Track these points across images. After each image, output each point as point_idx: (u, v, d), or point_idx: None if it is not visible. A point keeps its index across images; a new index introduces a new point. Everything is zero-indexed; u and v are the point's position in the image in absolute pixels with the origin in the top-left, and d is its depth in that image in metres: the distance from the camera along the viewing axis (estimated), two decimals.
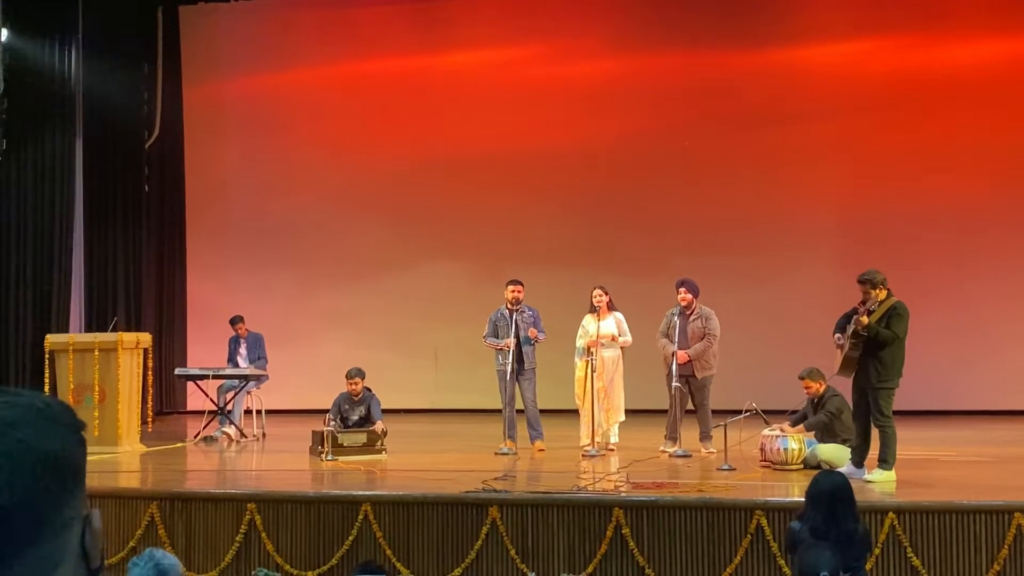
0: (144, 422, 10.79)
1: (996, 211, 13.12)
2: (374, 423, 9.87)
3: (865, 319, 7.65)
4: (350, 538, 7.24)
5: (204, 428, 11.39)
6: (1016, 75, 13.12)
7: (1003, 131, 13.08)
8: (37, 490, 1.17)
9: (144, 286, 14.43)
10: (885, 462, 7.65)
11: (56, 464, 1.19)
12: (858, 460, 7.83)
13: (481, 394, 11.66)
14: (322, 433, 9.50)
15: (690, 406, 9.70)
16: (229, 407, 11.37)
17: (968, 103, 13.17)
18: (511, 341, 9.83)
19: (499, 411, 10.04)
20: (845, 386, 8.21)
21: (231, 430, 11.30)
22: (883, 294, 7.78)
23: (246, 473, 9.86)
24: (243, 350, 11.86)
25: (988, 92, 13.14)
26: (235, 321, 11.90)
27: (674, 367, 9.47)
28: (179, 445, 11.11)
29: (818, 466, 7.96)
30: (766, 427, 8.71)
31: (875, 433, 7.79)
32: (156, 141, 14.81)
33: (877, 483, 7.52)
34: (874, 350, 7.66)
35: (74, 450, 1.23)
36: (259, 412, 11.71)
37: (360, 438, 9.62)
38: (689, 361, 9.53)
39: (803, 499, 5.23)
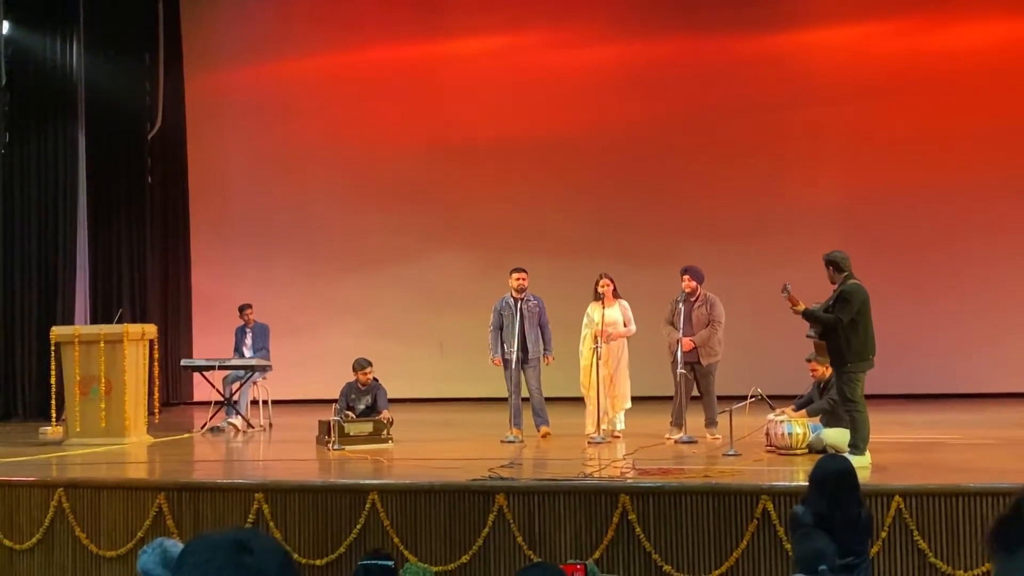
0: (151, 413, 10.83)
1: (1003, 192, 13.07)
2: (380, 412, 9.89)
3: (801, 305, 7.73)
4: (357, 527, 7.26)
5: (211, 419, 11.42)
6: (1017, 57, 13.06)
7: (1009, 113, 13.03)
8: None
9: (149, 277, 14.43)
10: (855, 447, 7.63)
11: None
12: (853, 443, 7.84)
13: (487, 382, 11.67)
14: (329, 423, 9.52)
15: (695, 392, 9.71)
16: (235, 398, 11.39)
17: (973, 85, 13.12)
18: (499, 360, 9.96)
19: (505, 399, 10.05)
20: None
21: (237, 420, 11.32)
22: (840, 275, 7.80)
23: (253, 463, 9.90)
24: (248, 340, 11.87)
25: (993, 74, 13.09)
26: (243, 308, 11.91)
27: (679, 354, 9.47)
28: (186, 436, 11.16)
29: (823, 450, 7.97)
30: (771, 412, 8.72)
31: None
32: (159, 132, 14.79)
33: None
34: (827, 334, 7.70)
35: None
36: (265, 402, 11.73)
37: (366, 427, 9.64)
38: (694, 348, 9.53)
39: (808, 483, 5.23)
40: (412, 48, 14.56)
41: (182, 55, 14.98)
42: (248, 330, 11.90)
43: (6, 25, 13.33)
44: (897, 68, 13.30)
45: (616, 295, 9.99)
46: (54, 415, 11.06)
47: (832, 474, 5.02)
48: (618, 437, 9.80)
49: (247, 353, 11.77)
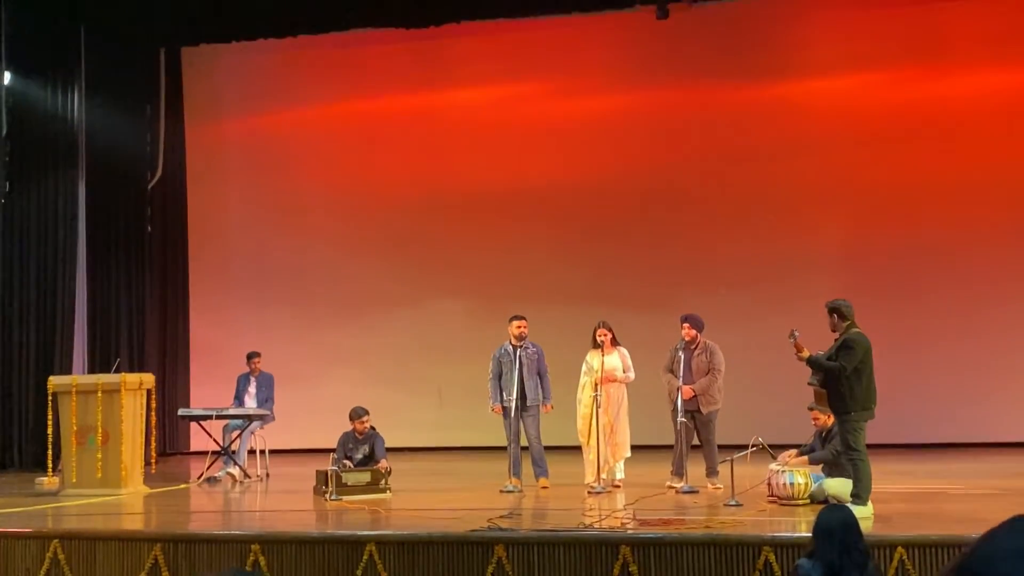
0: (147, 463, 10.75)
1: (1004, 241, 13.10)
2: (378, 462, 9.83)
3: (806, 352, 7.73)
4: None
5: (208, 469, 11.35)
6: (1015, 106, 13.16)
7: (1008, 162, 13.10)
8: None
9: (147, 327, 14.42)
10: (858, 497, 7.56)
11: None
12: (855, 493, 7.77)
13: (485, 431, 11.60)
14: (326, 472, 9.45)
15: (696, 441, 9.65)
16: (234, 447, 11.32)
17: (972, 134, 13.21)
18: (499, 408, 9.90)
19: (504, 448, 9.99)
20: None
21: (235, 471, 11.24)
22: (843, 324, 7.80)
23: (250, 514, 9.80)
24: (252, 388, 11.83)
25: (988, 124, 13.19)
26: (251, 356, 11.88)
27: (679, 402, 9.44)
28: (183, 486, 11.07)
29: (825, 500, 7.90)
30: (773, 462, 8.66)
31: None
32: (159, 182, 14.86)
33: None
34: (829, 382, 7.68)
35: None
36: (262, 452, 11.66)
37: (364, 477, 9.57)
38: (694, 396, 9.49)
39: (810, 534, 5.17)
40: (410, 98, 14.68)
41: (183, 105, 15.08)
42: (252, 378, 11.86)
43: (8, 76, 13.42)
44: (896, 118, 13.40)
45: (615, 343, 9.97)
46: (50, 465, 10.98)
47: (838, 524, 4.97)
48: (618, 487, 9.73)
49: (249, 402, 11.72)
